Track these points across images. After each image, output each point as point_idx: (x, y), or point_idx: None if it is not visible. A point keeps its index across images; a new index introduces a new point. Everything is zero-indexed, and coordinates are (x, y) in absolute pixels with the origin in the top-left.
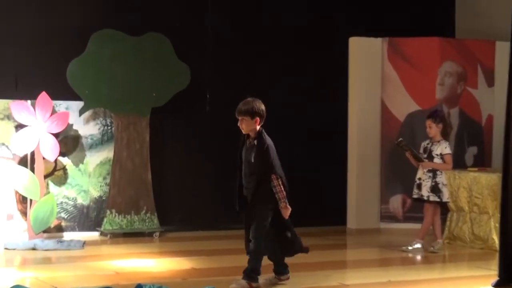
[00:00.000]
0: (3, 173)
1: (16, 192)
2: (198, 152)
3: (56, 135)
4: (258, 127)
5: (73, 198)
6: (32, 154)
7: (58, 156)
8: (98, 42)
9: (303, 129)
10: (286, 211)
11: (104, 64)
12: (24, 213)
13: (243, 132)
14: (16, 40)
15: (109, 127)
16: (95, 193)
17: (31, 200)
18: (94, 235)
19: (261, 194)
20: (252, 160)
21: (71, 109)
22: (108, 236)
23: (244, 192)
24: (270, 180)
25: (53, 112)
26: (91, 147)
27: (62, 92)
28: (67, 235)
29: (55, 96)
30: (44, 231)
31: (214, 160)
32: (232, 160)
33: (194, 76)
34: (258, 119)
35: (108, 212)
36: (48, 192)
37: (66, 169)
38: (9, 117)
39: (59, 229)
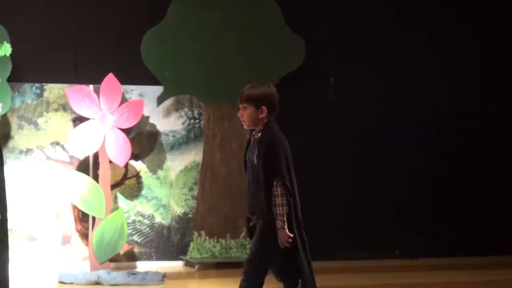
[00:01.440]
0: (58, 182)
1: (74, 208)
2: (318, 154)
3: (126, 132)
4: (265, 119)
5: (149, 216)
6: (95, 156)
7: (130, 159)
8: (182, 7)
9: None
10: (282, 235)
11: (190, 36)
12: (84, 235)
13: (244, 125)
14: (74, 6)
15: (197, 121)
16: (178, 209)
17: (93, 218)
18: (177, 265)
19: (265, 208)
20: (255, 161)
21: (146, 96)
22: (196, 267)
23: (249, 209)
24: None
25: (123, 100)
26: (173, 147)
27: (134, 74)
28: (142, 265)
29: (125, 79)
30: (111, 260)
31: (341, 166)
32: (369, 164)
33: (310, 53)
34: (264, 108)
35: (196, 234)
36: (117, 208)
37: (140, 177)
38: (65, 107)
39: (131, 257)
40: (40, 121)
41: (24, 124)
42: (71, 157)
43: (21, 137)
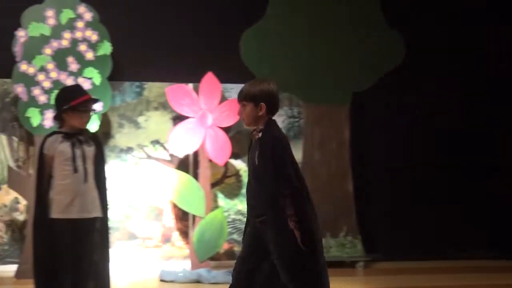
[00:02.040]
0: (158, 181)
1: (174, 206)
2: (420, 155)
3: (226, 130)
4: (265, 117)
5: None
6: (195, 155)
7: (229, 158)
8: (281, 4)
9: None
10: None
11: (289, 33)
12: (185, 234)
13: (244, 124)
14: (174, 5)
15: (297, 120)
16: None
17: (194, 217)
18: None
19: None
20: (257, 161)
21: None
22: None
23: (249, 210)
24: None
25: (223, 99)
26: None
27: (233, 72)
28: None
29: (224, 78)
30: (212, 258)
31: (442, 167)
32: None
33: (410, 50)
34: (263, 105)
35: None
36: (217, 207)
37: (239, 176)
38: (165, 106)
39: (231, 255)
40: (140, 119)
41: (124, 123)
42: (171, 155)
43: (121, 136)
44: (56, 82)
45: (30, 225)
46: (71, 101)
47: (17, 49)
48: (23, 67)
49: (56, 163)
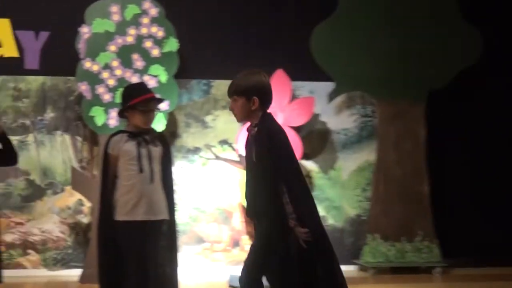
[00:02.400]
0: (226, 183)
1: (243, 209)
2: (499, 155)
3: (297, 130)
4: (259, 111)
5: (321, 218)
6: None
7: (301, 159)
8: None
9: None
10: (299, 232)
11: (361, 29)
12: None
13: (237, 119)
14: (240, 0)
15: (370, 119)
16: (351, 211)
17: None
18: (350, 269)
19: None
20: (254, 159)
21: (316, 93)
22: (370, 271)
23: (247, 210)
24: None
25: (293, 97)
26: (344, 146)
27: (304, 69)
28: None
29: (294, 75)
30: None
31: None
32: None
33: (488, 47)
34: (256, 99)
35: (370, 238)
36: None
37: (311, 177)
38: None
39: None
40: (207, 118)
41: (191, 122)
42: (240, 156)
43: (188, 136)
44: (121, 80)
45: (94, 227)
46: (132, 100)
47: (81, 46)
48: (87, 64)
49: (121, 163)
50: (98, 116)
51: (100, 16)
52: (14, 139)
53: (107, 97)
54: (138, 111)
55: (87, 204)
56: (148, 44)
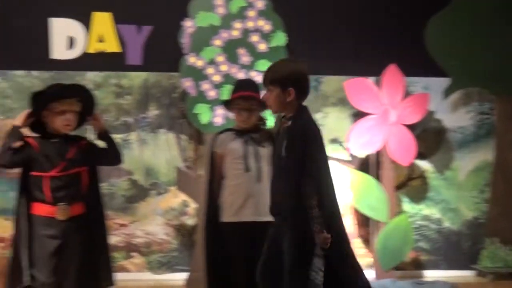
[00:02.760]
0: (337, 183)
1: (355, 211)
2: None
3: (411, 128)
4: (295, 103)
5: (436, 221)
6: (377, 155)
7: (415, 158)
8: None
9: None
10: (321, 239)
11: (479, 20)
12: (367, 241)
13: (271, 111)
14: None
15: (487, 116)
16: (468, 213)
17: (376, 223)
18: (467, 274)
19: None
20: (283, 153)
21: (431, 89)
22: (489, 277)
23: (272, 209)
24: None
25: (406, 94)
26: (461, 145)
27: (418, 65)
28: (430, 274)
29: (408, 71)
30: (397, 268)
31: None
32: None
33: None
34: (292, 90)
35: (488, 242)
36: (401, 211)
37: (425, 178)
38: (344, 101)
39: (418, 265)
40: (317, 116)
41: None
42: (351, 155)
43: None
44: (226, 76)
45: (200, 229)
46: (229, 97)
47: (185, 40)
48: (191, 59)
49: (227, 162)
50: (203, 114)
51: (204, 9)
52: (116, 137)
53: (212, 93)
54: (233, 109)
55: (192, 205)
56: (254, 38)
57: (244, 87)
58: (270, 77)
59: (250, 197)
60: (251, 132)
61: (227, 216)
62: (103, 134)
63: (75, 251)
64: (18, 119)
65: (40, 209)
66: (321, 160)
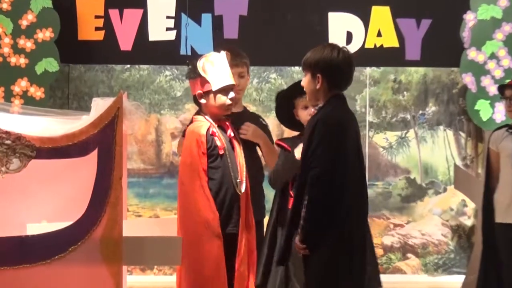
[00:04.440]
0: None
1: None
2: None
3: None
4: (326, 92)
5: None
6: None
7: None
8: None
9: None
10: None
11: None
12: None
13: (307, 99)
14: None
15: None
16: None
17: None
18: None
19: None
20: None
21: None
22: None
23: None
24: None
25: None
26: None
27: None
28: None
29: None
30: None
31: None
32: None
33: None
34: (320, 76)
35: None
36: None
37: None
38: None
39: None
40: None
41: None
42: None
43: None
44: (507, 71)
45: (477, 231)
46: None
47: (465, 34)
48: (472, 54)
49: (502, 160)
50: (484, 110)
51: (486, 1)
52: (393, 134)
53: (493, 89)
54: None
55: (471, 205)
56: None
57: None
58: (303, 61)
59: None
60: None
61: (498, 217)
62: None
63: None
64: None
65: None
66: (324, 159)
